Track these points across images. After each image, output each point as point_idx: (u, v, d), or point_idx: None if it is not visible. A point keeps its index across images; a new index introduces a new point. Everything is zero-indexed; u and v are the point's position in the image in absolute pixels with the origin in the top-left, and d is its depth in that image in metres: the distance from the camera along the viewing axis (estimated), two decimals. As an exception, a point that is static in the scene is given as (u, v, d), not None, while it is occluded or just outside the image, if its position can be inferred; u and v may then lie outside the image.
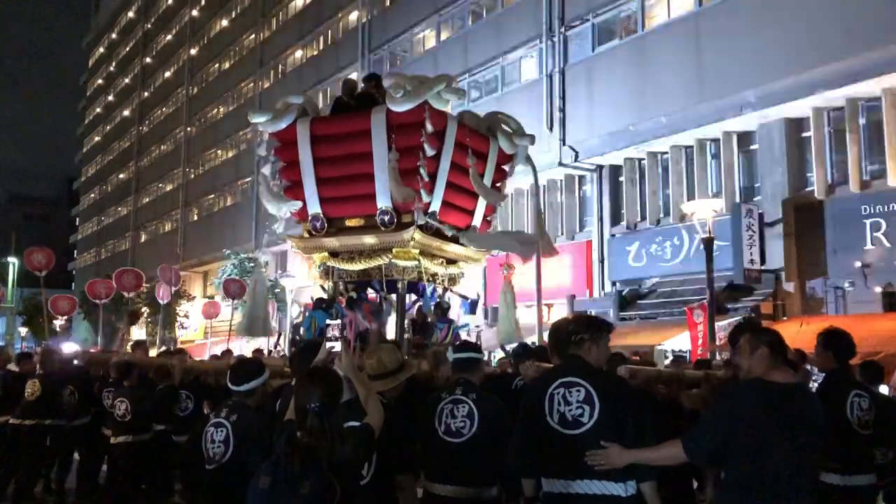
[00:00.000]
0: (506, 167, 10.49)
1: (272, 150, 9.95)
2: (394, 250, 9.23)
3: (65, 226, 77.77)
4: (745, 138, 18.09)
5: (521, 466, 3.59)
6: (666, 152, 19.47)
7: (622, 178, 20.73)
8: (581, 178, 22.12)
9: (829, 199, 16.14)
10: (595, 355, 3.58)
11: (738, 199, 17.43)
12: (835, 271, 15.72)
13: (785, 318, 15.86)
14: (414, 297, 10.34)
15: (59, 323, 43.27)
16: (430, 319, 10.00)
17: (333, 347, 9.81)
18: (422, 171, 8.76)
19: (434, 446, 4.10)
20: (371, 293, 10.26)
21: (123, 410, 7.09)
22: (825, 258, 15.92)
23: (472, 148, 9.45)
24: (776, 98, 16.28)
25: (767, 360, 3.29)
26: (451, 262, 10.29)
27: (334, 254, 9.78)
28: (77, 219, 70.36)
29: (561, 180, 22.33)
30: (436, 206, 9.25)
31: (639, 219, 20.27)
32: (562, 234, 22.36)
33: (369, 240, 9.35)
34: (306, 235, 9.94)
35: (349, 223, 9.71)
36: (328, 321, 9.58)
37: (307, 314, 10.16)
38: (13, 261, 45.93)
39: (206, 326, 36.83)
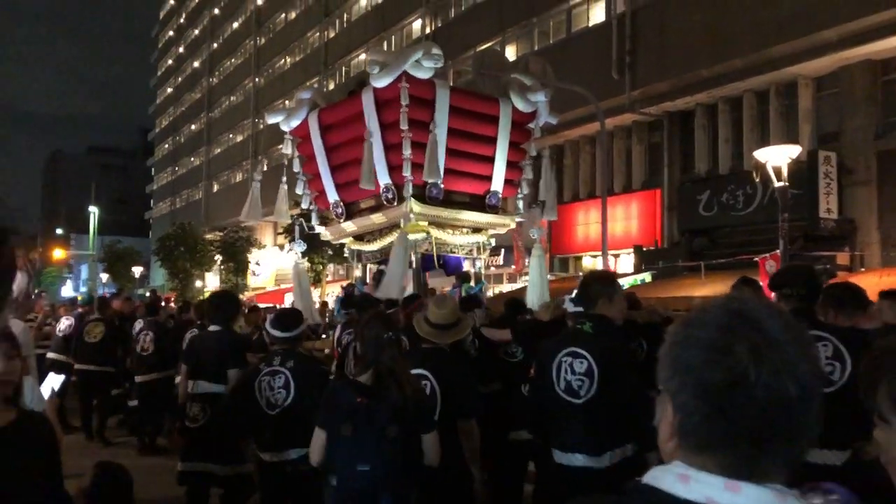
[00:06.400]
0: (530, 125, 10.24)
1: (296, 148, 10.12)
2: (401, 225, 9.23)
3: (141, 176, 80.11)
4: (823, 81, 17.31)
5: None
6: (740, 97, 18.82)
7: (693, 125, 20.15)
8: (651, 124, 21.59)
9: (915, 144, 15.39)
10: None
11: (814, 146, 16.78)
12: (919, 221, 15.07)
13: (863, 270, 15.33)
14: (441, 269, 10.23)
15: (138, 270, 44.96)
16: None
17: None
18: (406, 143, 8.64)
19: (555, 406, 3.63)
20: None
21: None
22: (908, 207, 15.25)
23: (475, 111, 9.34)
24: (860, 38, 15.48)
25: None
26: (476, 230, 10.14)
27: (360, 237, 9.93)
28: (152, 169, 72.36)
29: (630, 127, 21.86)
30: (426, 175, 8.89)
31: (710, 166, 19.74)
32: (630, 182, 21.98)
33: (378, 218, 9.45)
34: (332, 222, 10.16)
35: (363, 205, 9.84)
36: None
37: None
38: (94, 210, 47.75)
39: (276, 274, 37.77)
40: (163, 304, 10.81)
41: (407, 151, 8.66)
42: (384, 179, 9.02)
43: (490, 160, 9.71)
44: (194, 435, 5.26)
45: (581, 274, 21.40)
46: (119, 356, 9.49)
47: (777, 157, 13.08)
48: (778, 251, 13.49)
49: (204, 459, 5.13)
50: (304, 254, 10.77)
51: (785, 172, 12.82)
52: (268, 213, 10.79)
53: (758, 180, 16.73)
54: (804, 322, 3.30)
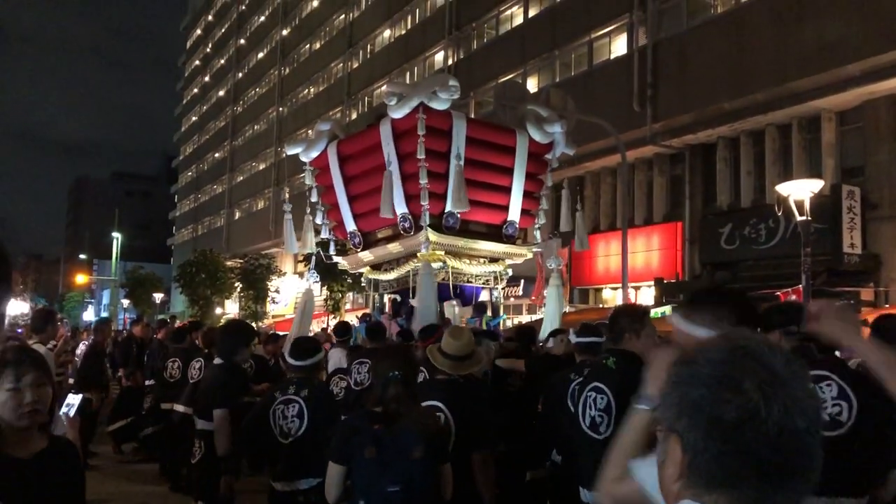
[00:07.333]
0: (547, 156, 10.25)
1: (315, 178, 10.24)
2: (418, 254, 9.24)
3: (164, 202, 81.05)
4: (847, 116, 17.21)
5: None
6: (762, 130, 18.75)
7: (715, 158, 20.07)
8: (672, 156, 21.53)
9: (940, 179, 15.22)
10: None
11: (838, 180, 16.65)
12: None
13: (888, 306, 15.09)
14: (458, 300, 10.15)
15: (159, 296, 45.39)
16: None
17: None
18: (422, 173, 8.67)
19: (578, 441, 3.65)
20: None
21: None
22: (934, 242, 15.05)
23: (492, 142, 9.39)
24: (884, 73, 15.40)
25: None
26: (493, 259, 10.13)
27: (377, 267, 9.98)
28: (176, 196, 73.18)
29: (651, 159, 21.82)
30: (452, 205, 8.98)
31: (732, 199, 19.63)
32: (651, 214, 21.90)
33: (394, 247, 9.50)
34: (350, 251, 10.24)
35: (380, 235, 9.92)
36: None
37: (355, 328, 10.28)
38: (116, 235, 48.31)
39: (295, 301, 37.86)
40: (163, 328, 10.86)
41: (423, 181, 8.69)
42: (401, 209, 9.06)
43: (507, 190, 9.73)
44: (194, 469, 5.41)
45: (601, 306, 21.28)
46: (138, 383, 9.49)
47: (800, 191, 12.99)
48: (800, 286, 13.34)
49: (194, 495, 5.26)
50: (323, 282, 10.86)
51: (808, 206, 12.72)
52: (297, 238, 10.93)
53: (780, 214, 16.63)
54: (805, 360, 3.14)
